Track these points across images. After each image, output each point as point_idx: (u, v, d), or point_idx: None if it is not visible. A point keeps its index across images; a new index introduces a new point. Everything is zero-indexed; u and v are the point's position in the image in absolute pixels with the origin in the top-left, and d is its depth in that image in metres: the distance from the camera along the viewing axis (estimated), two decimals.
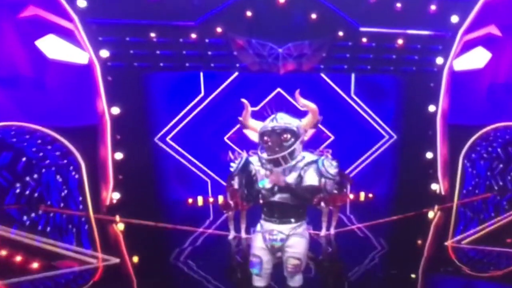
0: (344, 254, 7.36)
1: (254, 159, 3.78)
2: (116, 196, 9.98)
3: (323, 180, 3.67)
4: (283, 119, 3.60)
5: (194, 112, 11.14)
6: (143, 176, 10.29)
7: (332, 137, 11.68)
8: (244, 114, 3.80)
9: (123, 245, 7.63)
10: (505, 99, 11.11)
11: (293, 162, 3.56)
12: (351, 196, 11.29)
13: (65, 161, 9.56)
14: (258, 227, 3.85)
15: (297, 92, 3.59)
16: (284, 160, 3.49)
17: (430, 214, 9.93)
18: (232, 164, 3.84)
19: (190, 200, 11.21)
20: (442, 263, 6.45)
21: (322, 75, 11.33)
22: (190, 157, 11.31)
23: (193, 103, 11.08)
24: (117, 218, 9.23)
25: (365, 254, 6.84)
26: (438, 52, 10.55)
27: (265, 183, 3.60)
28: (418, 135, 11.15)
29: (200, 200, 11.13)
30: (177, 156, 11.26)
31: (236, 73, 10.91)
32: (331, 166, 3.63)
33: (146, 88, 10.73)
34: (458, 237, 7.60)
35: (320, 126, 11.08)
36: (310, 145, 11.55)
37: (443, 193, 11.13)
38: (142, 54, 9.79)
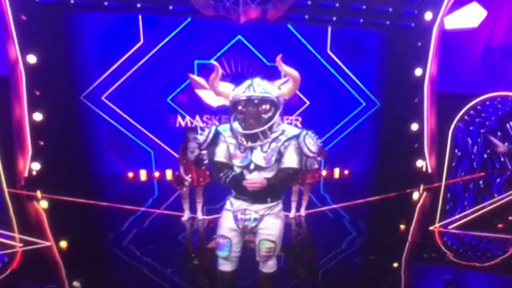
0: (316, 239, 7.56)
1: (224, 130, 3.81)
2: (36, 166, 9.81)
3: (304, 158, 3.74)
4: (261, 87, 3.60)
5: (136, 67, 10.94)
6: (71, 143, 10.14)
7: (308, 103, 11.88)
8: (213, 77, 3.76)
9: (47, 227, 7.49)
10: (502, 65, 11.56)
11: (272, 136, 3.64)
12: (324, 172, 11.61)
13: None
14: (228, 205, 3.93)
15: (279, 58, 3.58)
16: (263, 135, 3.59)
17: (415, 195, 10.28)
18: (199, 136, 3.88)
19: (130, 174, 11.11)
20: (428, 249, 6.74)
21: (290, 26, 11.37)
22: (130, 120, 11.11)
23: (130, 52, 10.86)
24: (38, 194, 9.06)
25: (341, 239, 7.06)
26: (427, 6, 10.77)
27: (241, 161, 3.70)
28: (402, 102, 11.47)
29: (143, 174, 11.04)
30: (110, 120, 11.09)
31: (188, 19, 10.73)
32: (313, 143, 3.71)
33: (71, 32, 10.43)
34: (446, 221, 7.97)
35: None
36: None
37: (429, 171, 11.55)
38: None
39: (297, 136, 3.68)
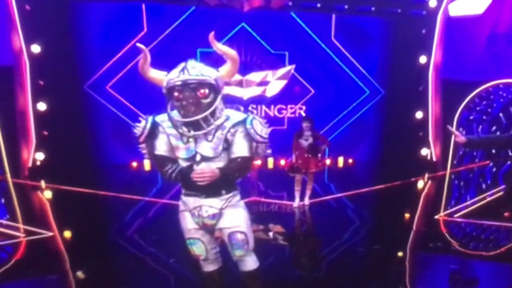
0: (320, 228, 7.49)
1: (162, 120, 3.45)
2: (40, 156, 9.77)
3: (254, 144, 3.43)
4: (196, 69, 3.24)
5: (140, 56, 10.69)
6: (75, 133, 10.06)
7: (313, 91, 11.76)
8: (142, 62, 3.33)
9: (51, 217, 7.44)
10: (507, 52, 11.33)
11: (216, 123, 3.32)
12: (328, 161, 11.52)
13: None
14: (181, 205, 3.66)
15: (211, 35, 3.22)
16: (205, 122, 3.26)
17: (420, 184, 10.19)
18: (135, 129, 3.47)
19: (135, 164, 11.04)
20: (433, 238, 6.64)
21: (293, 15, 11.24)
22: (135, 110, 11.01)
23: (133, 41, 10.65)
24: (43, 183, 9.03)
25: (344, 228, 6.99)
26: None
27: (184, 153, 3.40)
28: (407, 90, 11.38)
29: (147, 164, 10.96)
30: (114, 110, 10.99)
31: (192, 8, 10.61)
32: (261, 127, 3.40)
33: (75, 22, 10.32)
34: (451, 210, 7.87)
35: (297, 76, 11.37)
36: (282, 100, 11.62)
37: (434, 159, 11.47)
38: None
39: (243, 122, 3.38)
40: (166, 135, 3.42)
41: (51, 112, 9.78)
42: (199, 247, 3.66)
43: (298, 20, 11.30)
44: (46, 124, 9.79)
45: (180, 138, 3.37)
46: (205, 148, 3.34)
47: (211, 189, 3.41)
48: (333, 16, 11.45)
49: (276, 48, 11.25)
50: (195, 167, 3.36)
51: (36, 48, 9.53)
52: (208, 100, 3.24)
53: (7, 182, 8.93)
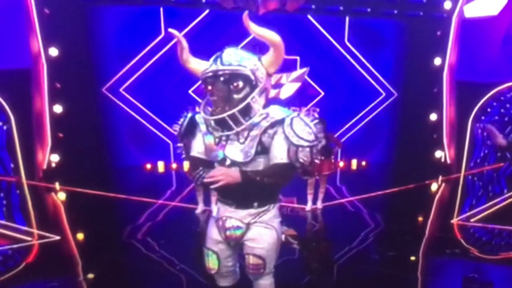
0: (332, 232, 7.29)
1: (200, 117, 3.05)
2: (55, 158, 9.78)
3: (293, 148, 2.81)
4: (232, 57, 2.79)
5: (155, 58, 10.80)
6: (89, 135, 10.06)
7: (322, 93, 11.60)
8: (180, 50, 2.97)
9: (64, 219, 7.41)
10: None
11: (250, 122, 2.79)
12: (341, 163, 11.38)
13: None
14: (214, 211, 3.24)
15: (245, 15, 2.74)
16: (234, 121, 2.74)
17: (433, 186, 10.00)
18: (175, 126, 3.14)
19: (148, 166, 10.98)
20: (447, 243, 6.43)
21: (310, 17, 11.11)
22: (148, 112, 10.97)
23: (151, 45, 10.68)
24: (57, 185, 9.02)
25: (357, 232, 6.81)
26: None
27: (218, 154, 2.93)
28: (421, 92, 11.21)
29: (160, 166, 10.90)
30: (131, 112, 10.94)
31: (207, 11, 10.54)
32: (303, 127, 2.80)
33: (93, 25, 10.36)
34: (466, 214, 7.67)
35: (307, 78, 11.22)
36: (294, 103, 11.46)
37: (448, 161, 11.29)
38: None
39: (282, 121, 2.80)
40: (201, 134, 3.01)
41: (67, 114, 9.80)
42: (213, 259, 3.18)
43: (314, 22, 11.20)
44: (62, 126, 9.81)
45: (214, 138, 2.93)
46: (235, 151, 2.84)
47: (243, 199, 2.97)
48: (347, 19, 11.33)
49: (288, 52, 11.08)
50: None
51: (54, 51, 9.56)
52: (241, 94, 2.77)
53: (22, 184, 8.96)
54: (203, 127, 2.98)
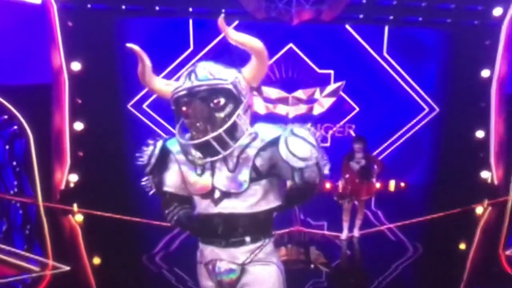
0: (368, 263, 7.15)
1: (173, 144, 2.78)
2: (74, 178, 9.84)
3: (296, 172, 2.49)
4: (206, 70, 2.53)
5: (180, 72, 10.73)
6: (111, 154, 10.02)
7: (357, 109, 11.42)
8: (140, 69, 2.72)
9: (81, 243, 7.49)
10: None
11: (238, 144, 2.50)
12: (378, 185, 11.11)
13: (7, 130, 9.36)
14: (198, 256, 2.92)
15: (221, 19, 2.46)
16: (220, 144, 2.44)
17: (478, 211, 9.76)
18: (141, 157, 2.84)
19: None
20: (493, 278, 6.17)
21: (348, 27, 10.97)
22: (174, 130, 10.95)
23: (179, 60, 10.66)
24: (75, 207, 9.07)
25: (394, 264, 6.63)
26: (495, 1, 10.18)
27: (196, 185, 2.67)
28: (467, 107, 10.91)
29: None
30: (156, 129, 10.89)
31: (236, 22, 10.50)
32: (301, 146, 2.45)
33: (118, 39, 10.32)
34: None
35: (342, 94, 11.05)
36: (329, 119, 11.29)
37: (496, 183, 10.94)
38: None
39: (276, 141, 2.50)
40: (177, 165, 2.73)
41: (88, 132, 9.89)
42: None
43: (352, 32, 11.03)
44: (82, 144, 9.90)
45: (194, 167, 2.65)
46: (225, 180, 2.57)
47: (231, 234, 2.65)
48: (386, 29, 11.13)
49: (321, 65, 11.00)
50: (212, 208, 2.62)
51: (76, 66, 9.64)
52: (224, 112, 2.48)
53: (38, 205, 9.05)
54: (179, 156, 2.70)
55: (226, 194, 2.58)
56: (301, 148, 2.44)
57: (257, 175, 2.57)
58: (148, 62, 2.68)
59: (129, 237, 7.90)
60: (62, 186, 9.77)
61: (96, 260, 6.57)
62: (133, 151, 9.42)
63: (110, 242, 7.13)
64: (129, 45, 2.65)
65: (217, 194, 2.59)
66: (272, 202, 2.68)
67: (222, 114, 2.47)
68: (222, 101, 2.47)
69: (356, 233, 7.60)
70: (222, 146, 2.44)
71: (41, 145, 9.27)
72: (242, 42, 2.49)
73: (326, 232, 7.98)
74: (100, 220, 8.43)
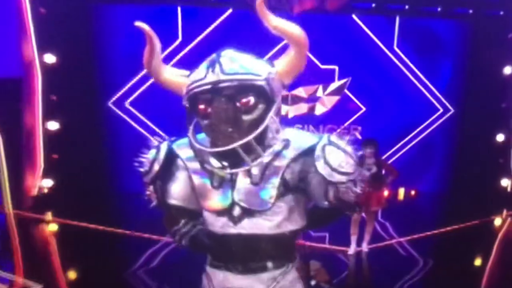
0: (375, 279, 7.19)
1: (183, 147, 2.56)
2: (47, 184, 9.84)
3: (331, 187, 2.30)
4: (235, 63, 2.26)
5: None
6: (89, 157, 10.05)
7: (364, 109, 11.52)
8: (148, 54, 2.38)
9: (56, 256, 7.47)
10: None
11: (268, 153, 2.30)
12: (385, 192, 11.17)
13: None
14: (204, 280, 2.72)
15: (260, 1, 2.23)
16: (248, 152, 2.22)
17: (497, 222, 9.82)
18: (142, 164, 2.60)
19: None
20: None
21: (354, 17, 11.06)
22: (159, 131, 10.97)
23: (166, 52, 10.66)
24: (49, 215, 9.07)
25: (402, 279, 6.71)
26: None
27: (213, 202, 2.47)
28: (486, 108, 10.98)
29: None
30: (140, 129, 10.98)
31: (229, 11, 10.55)
32: (341, 159, 2.27)
33: (97, 28, 10.46)
34: None
35: (347, 92, 11.09)
36: (332, 120, 11.33)
37: None
38: None
39: (311, 150, 2.31)
40: (187, 173, 2.52)
41: (63, 132, 9.87)
42: None
43: (360, 23, 11.13)
44: (57, 146, 9.86)
45: (209, 177, 2.44)
46: (248, 195, 2.38)
47: (250, 258, 2.48)
48: (397, 20, 11.21)
49: (324, 61, 11.07)
50: (229, 227, 2.43)
51: (50, 58, 9.60)
52: (254, 115, 2.25)
53: (7, 215, 9.02)
54: (190, 163, 2.49)
55: (247, 212, 2.40)
56: (342, 160, 2.27)
57: (285, 190, 2.39)
58: (158, 46, 2.36)
59: (109, 249, 7.85)
60: (35, 192, 9.76)
61: (72, 275, 6.58)
62: (113, 153, 9.58)
63: (87, 255, 7.08)
64: (137, 23, 2.31)
65: (237, 212, 2.41)
66: (298, 222, 2.51)
67: (250, 116, 2.25)
68: (252, 100, 2.24)
69: (365, 247, 7.58)
70: (249, 155, 2.23)
71: (11, 146, 9.25)
72: (283, 29, 2.25)
73: (331, 247, 7.98)
74: (76, 231, 8.38)
